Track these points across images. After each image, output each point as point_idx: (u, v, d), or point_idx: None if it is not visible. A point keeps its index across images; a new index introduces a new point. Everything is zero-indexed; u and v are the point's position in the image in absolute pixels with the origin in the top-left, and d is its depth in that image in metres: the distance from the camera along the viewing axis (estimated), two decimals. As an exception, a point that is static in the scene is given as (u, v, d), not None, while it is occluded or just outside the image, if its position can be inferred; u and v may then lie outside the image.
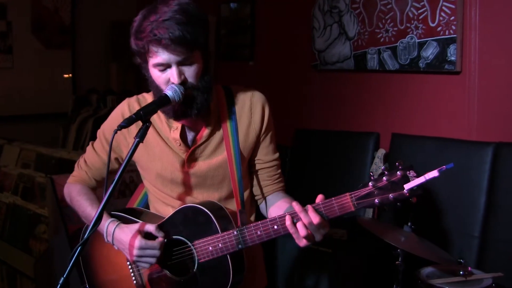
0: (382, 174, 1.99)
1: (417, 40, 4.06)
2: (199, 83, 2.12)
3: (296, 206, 2.04)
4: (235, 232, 2.15)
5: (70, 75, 6.00)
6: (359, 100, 4.58)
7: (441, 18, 3.91)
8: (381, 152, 4.14)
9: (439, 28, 3.92)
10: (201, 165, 2.28)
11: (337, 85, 4.72)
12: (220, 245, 2.16)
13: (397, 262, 3.19)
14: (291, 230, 2.05)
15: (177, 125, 2.26)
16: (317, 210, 2.02)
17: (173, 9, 2.04)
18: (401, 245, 3.08)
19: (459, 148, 3.83)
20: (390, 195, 1.97)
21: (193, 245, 2.22)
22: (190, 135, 2.29)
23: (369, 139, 4.32)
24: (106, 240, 2.31)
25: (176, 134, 2.25)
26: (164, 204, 2.39)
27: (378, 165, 4.10)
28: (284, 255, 3.96)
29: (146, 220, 2.31)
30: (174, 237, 2.26)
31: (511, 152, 3.61)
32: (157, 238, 2.21)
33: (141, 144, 2.12)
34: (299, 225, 2.03)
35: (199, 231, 2.20)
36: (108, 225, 2.30)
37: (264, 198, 2.43)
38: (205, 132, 2.25)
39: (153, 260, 2.20)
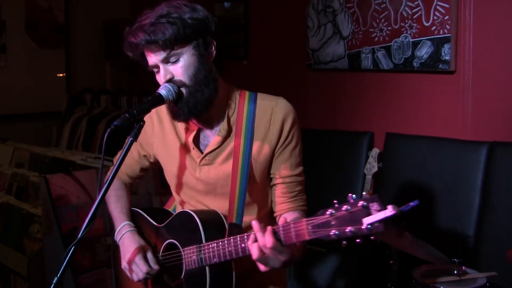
0: (344, 202, 1.76)
1: (411, 40, 4.06)
2: (189, 80, 2.09)
3: (255, 225, 1.92)
4: (195, 248, 2.13)
5: (64, 74, 5.99)
6: (353, 99, 4.58)
7: (435, 18, 3.91)
8: (375, 151, 4.14)
9: (433, 28, 3.92)
10: (211, 172, 2.23)
11: (331, 85, 4.72)
12: (194, 257, 2.16)
13: (391, 262, 3.19)
14: (250, 250, 1.94)
15: (193, 129, 2.24)
16: (275, 233, 1.88)
17: (150, 13, 2.07)
18: (395, 245, 3.08)
19: (453, 148, 3.84)
20: (347, 229, 1.71)
21: (183, 251, 2.21)
22: (204, 140, 2.26)
23: (363, 138, 4.32)
24: (114, 236, 2.41)
25: (190, 137, 2.24)
26: (180, 208, 2.41)
27: (372, 165, 4.11)
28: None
29: (161, 219, 2.30)
30: (170, 241, 2.27)
31: (505, 151, 3.62)
32: (151, 264, 2.27)
33: (161, 144, 2.29)
34: (254, 246, 1.92)
35: (189, 238, 2.18)
36: (123, 226, 2.39)
37: (280, 216, 2.27)
38: (218, 139, 2.21)
39: (136, 276, 2.27)
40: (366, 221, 1.66)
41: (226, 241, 2.06)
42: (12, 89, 5.56)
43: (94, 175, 3.86)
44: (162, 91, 2.06)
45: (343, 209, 1.72)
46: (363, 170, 4.18)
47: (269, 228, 1.89)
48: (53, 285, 1.82)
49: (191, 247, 2.15)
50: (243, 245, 2.00)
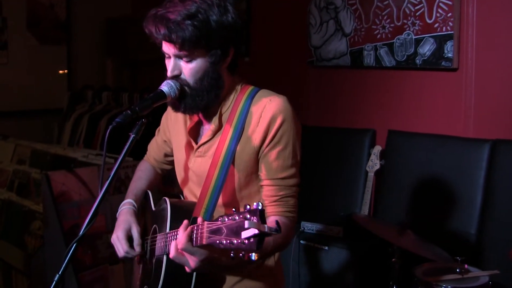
0: (237, 211, 1.65)
1: (413, 37, 4.05)
2: (194, 83, 2.06)
3: (184, 222, 1.88)
4: (163, 235, 2.13)
5: (66, 71, 5.98)
6: (355, 96, 4.57)
7: (438, 15, 3.90)
8: (377, 149, 4.14)
9: (436, 25, 3.91)
10: (202, 164, 2.20)
11: (333, 82, 4.72)
12: (160, 244, 2.15)
13: (393, 260, 3.18)
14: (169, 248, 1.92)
15: (194, 119, 2.23)
16: (190, 232, 1.82)
17: (180, 5, 2.01)
18: (397, 242, 3.08)
19: (455, 145, 3.83)
20: (229, 240, 1.62)
21: (156, 237, 2.23)
22: (202, 132, 2.25)
23: (365, 135, 4.31)
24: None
25: (189, 126, 2.23)
26: (182, 196, 2.42)
27: (374, 162, 4.10)
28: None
29: (174, 207, 2.25)
30: (155, 225, 2.30)
31: (508, 149, 3.61)
32: (133, 245, 2.30)
33: (174, 130, 2.32)
34: (172, 244, 1.89)
35: (163, 224, 2.18)
36: (124, 203, 2.43)
37: None
38: (209, 132, 2.18)
39: (118, 253, 2.32)
40: (244, 234, 1.57)
41: (168, 235, 2.06)
42: (14, 86, 5.55)
43: (96, 172, 3.85)
44: (164, 87, 2.04)
45: (230, 217, 1.64)
46: (365, 168, 4.17)
47: (190, 227, 1.84)
48: (54, 282, 1.82)
49: (162, 234, 2.16)
50: (162, 243, 1.99)
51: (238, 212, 1.63)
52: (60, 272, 1.83)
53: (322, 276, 3.82)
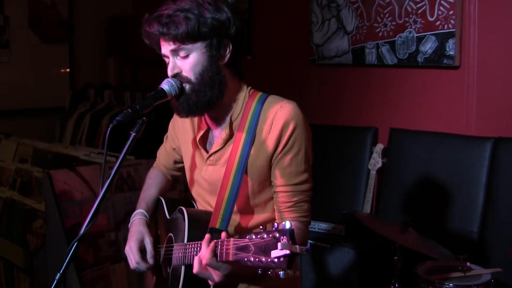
0: (264, 230, 1.67)
1: (415, 35, 4.04)
2: (194, 78, 2.06)
3: (206, 236, 1.90)
4: (182, 245, 2.13)
5: (67, 69, 5.97)
6: (357, 94, 4.57)
7: (439, 13, 3.89)
8: (379, 147, 4.14)
9: (438, 23, 3.91)
10: (214, 172, 2.20)
11: (335, 80, 4.71)
12: (178, 254, 2.15)
13: (395, 258, 3.18)
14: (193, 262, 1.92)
15: (204, 127, 2.23)
16: (214, 247, 1.83)
17: (172, 4, 2.05)
18: (399, 241, 3.07)
19: (457, 143, 3.83)
20: (258, 258, 1.63)
21: (172, 247, 2.23)
22: (213, 140, 2.24)
23: (367, 134, 4.31)
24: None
25: (199, 136, 2.23)
26: (194, 204, 2.42)
27: (376, 160, 4.10)
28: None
29: (191, 217, 2.24)
30: (170, 234, 2.30)
31: (510, 147, 3.61)
32: (146, 257, 2.31)
33: (183, 138, 2.33)
34: (196, 258, 1.89)
35: (179, 234, 2.19)
36: (136, 213, 2.44)
37: None
38: (220, 141, 2.18)
39: (130, 264, 2.32)
40: (274, 254, 1.58)
41: (187, 246, 2.07)
42: (16, 84, 5.55)
43: (98, 170, 3.85)
44: (164, 86, 2.05)
45: (259, 236, 1.64)
46: (367, 166, 4.17)
47: (213, 241, 1.84)
48: (56, 280, 1.82)
49: (180, 244, 2.16)
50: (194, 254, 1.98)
51: (266, 231, 1.64)
52: (61, 271, 1.83)
53: (324, 274, 3.82)
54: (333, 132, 4.53)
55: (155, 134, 2.65)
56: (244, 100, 2.17)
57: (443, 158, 3.86)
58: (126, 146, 1.99)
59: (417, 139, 4.03)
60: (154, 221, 2.51)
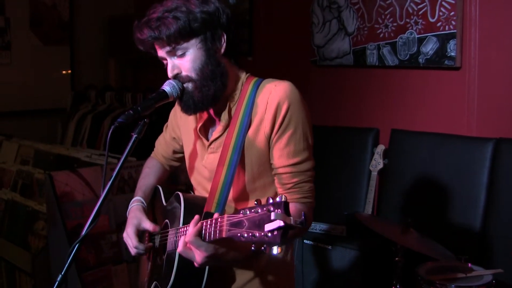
0: (259, 204, 1.62)
1: (416, 36, 4.04)
2: (195, 75, 2.06)
3: (195, 217, 1.89)
4: (175, 230, 2.13)
5: (69, 71, 5.98)
6: (358, 96, 4.57)
7: (440, 14, 3.89)
8: (380, 148, 4.14)
9: (439, 24, 3.91)
10: (213, 160, 2.18)
11: (336, 81, 4.71)
12: (172, 239, 2.15)
13: (396, 258, 3.18)
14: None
15: (204, 116, 2.23)
16: (200, 227, 1.83)
17: (159, 6, 2.05)
18: (400, 241, 3.07)
19: (459, 144, 3.83)
20: (251, 233, 1.59)
21: (169, 232, 2.22)
22: (212, 128, 2.24)
23: (369, 135, 4.31)
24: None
25: (199, 125, 2.23)
26: (192, 192, 2.42)
27: (377, 161, 4.10)
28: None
29: (187, 202, 2.22)
30: (166, 220, 2.30)
31: (511, 147, 3.60)
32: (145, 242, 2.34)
33: (184, 127, 2.33)
34: (181, 238, 1.90)
35: (175, 219, 2.18)
36: (133, 200, 2.44)
37: None
38: (220, 128, 2.17)
39: (130, 250, 2.32)
40: (267, 227, 1.54)
41: (180, 229, 2.06)
42: (17, 86, 5.56)
43: (99, 172, 3.86)
44: (166, 87, 2.05)
45: (253, 210, 1.61)
46: (368, 167, 4.17)
47: (200, 222, 1.84)
48: (57, 282, 1.82)
49: (173, 229, 2.16)
50: (175, 237, 1.98)
51: (260, 205, 1.61)
52: (63, 272, 1.83)
53: (325, 275, 3.82)
54: (335, 133, 4.53)
55: (157, 136, 2.65)
56: (241, 86, 2.17)
57: (444, 159, 3.86)
58: (128, 147, 1.99)
59: (418, 140, 4.03)
60: (151, 209, 2.51)
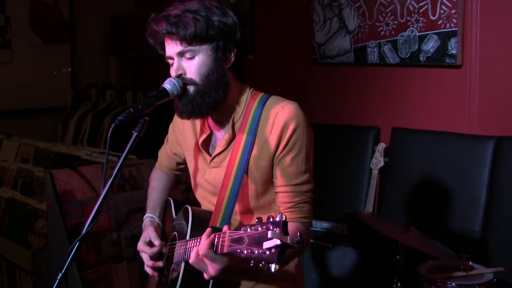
0: (259, 222, 1.66)
1: (417, 34, 4.04)
2: (200, 80, 2.06)
3: (208, 229, 1.90)
4: (183, 242, 2.16)
5: (69, 69, 5.98)
6: (359, 94, 4.56)
7: (441, 11, 3.89)
8: (381, 146, 4.13)
9: (440, 22, 3.90)
10: (216, 174, 2.20)
11: (337, 79, 4.71)
12: (179, 251, 2.18)
13: (397, 257, 3.18)
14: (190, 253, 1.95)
15: (206, 131, 2.23)
16: (213, 239, 1.83)
17: (180, 5, 2.06)
18: (401, 240, 3.07)
19: (460, 142, 3.82)
20: (256, 250, 1.62)
21: (175, 244, 2.25)
22: (215, 143, 2.24)
23: (370, 133, 4.30)
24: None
25: (201, 139, 2.24)
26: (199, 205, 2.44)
27: (378, 159, 4.09)
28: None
29: (195, 215, 2.25)
30: (175, 232, 2.32)
31: (512, 146, 3.60)
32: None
33: (185, 143, 2.35)
34: (194, 250, 1.90)
35: (184, 233, 2.20)
36: (145, 217, 2.51)
37: None
38: (223, 142, 2.18)
39: (146, 264, 2.35)
40: (265, 245, 1.58)
41: (188, 242, 2.08)
42: (17, 84, 5.55)
43: (99, 170, 3.85)
44: (166, 85, 2.05)
45: (253, 228, 1.65)
46: (369, 165, 4.17)
47: (213, 234, 1.85)
48: (58, 280, 1.82)
49: (181, 241, 2.18)
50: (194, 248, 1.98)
51: (261, 222, 1.64)
52: (63, 271, 1.83)
53: (326, 273, 3.82)
54: (335, 131, 4.53)
55: (157, 134, 2.64)
56: (246, 101, 2.18)
57: (445, 157, 3.85)
58: (128, 145, 1.99)
59: (419, 138, 4.03)
60: (162, 223, 2.54)
